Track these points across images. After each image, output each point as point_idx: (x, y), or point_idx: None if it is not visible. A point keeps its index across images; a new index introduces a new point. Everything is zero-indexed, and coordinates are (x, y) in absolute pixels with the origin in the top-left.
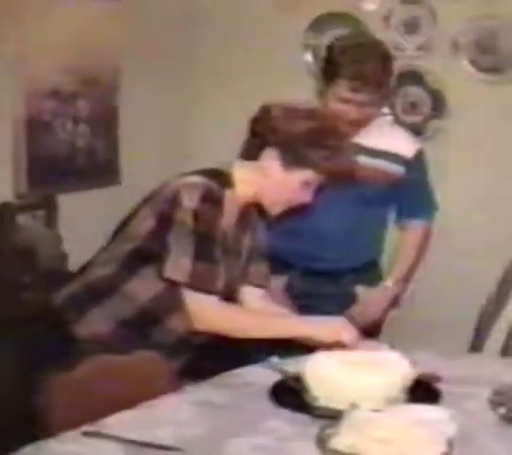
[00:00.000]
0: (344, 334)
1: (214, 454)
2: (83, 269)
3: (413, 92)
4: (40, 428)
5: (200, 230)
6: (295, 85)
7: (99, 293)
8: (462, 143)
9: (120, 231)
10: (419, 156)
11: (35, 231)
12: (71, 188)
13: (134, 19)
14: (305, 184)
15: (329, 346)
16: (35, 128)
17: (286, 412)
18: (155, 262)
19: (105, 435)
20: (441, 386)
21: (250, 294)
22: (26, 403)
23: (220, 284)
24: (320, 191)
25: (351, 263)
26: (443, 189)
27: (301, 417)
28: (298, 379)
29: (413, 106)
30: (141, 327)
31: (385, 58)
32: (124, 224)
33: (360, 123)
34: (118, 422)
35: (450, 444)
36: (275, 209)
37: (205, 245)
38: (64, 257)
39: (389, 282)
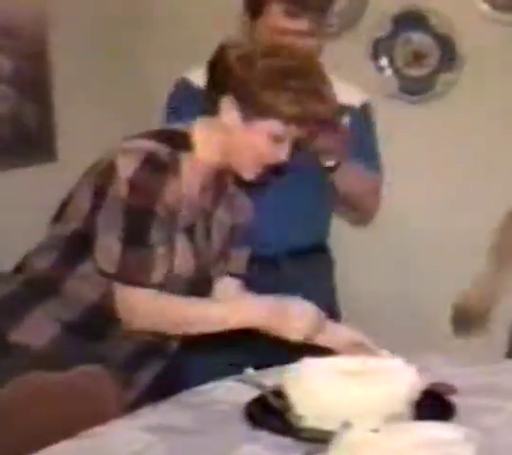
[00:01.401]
0: (301, 322)
1: None
2: (22, 263)
3: (417, 38)
4: None
5: (134, 206)
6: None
7: (37, 291)
8: (477, 98)
9: (59, 215)
10: (367, 108)
11: None
12: None
13: None
14: (275, 138)
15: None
16: None
17: (265, 436)
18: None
19: None
20: (455, 398)
21: (225, 285)
22: None
23: (159, 274)
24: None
25: (288, 248)
26: (455, 150)
27: (283, 441)
28: (279, 395)
29: (417, 56)
30: (92, 333)
31: None
32: (64, 205)
33: None
34: None
35: None
36: (246, 171)
37: (137, 224)
38: None
39: None
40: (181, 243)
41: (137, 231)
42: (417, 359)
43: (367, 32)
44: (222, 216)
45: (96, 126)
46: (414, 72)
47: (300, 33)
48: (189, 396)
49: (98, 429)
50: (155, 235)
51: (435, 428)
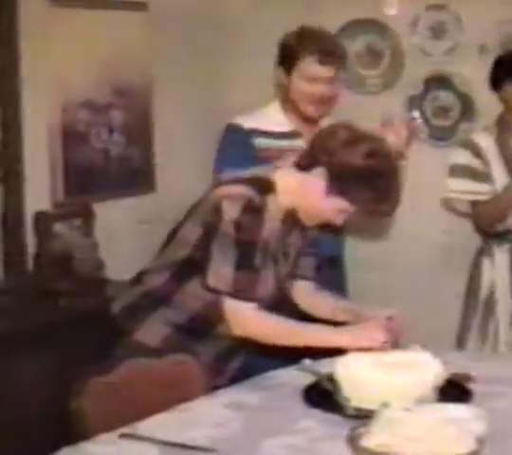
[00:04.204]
0: (375, 341)
1: (248, 454)
2: (139, 277)
3: (442, 96)
4: (77, 431)
5: (242, 241)
6: None
7: (154, 301)
8: None
9: (171, 240)
10: None
11: (72, 239)
12: (107, 196)
13: (162, 27)
14: (341, 211)
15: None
16: (71, 138)
17: (319, 413)
18: (202, 270)
19: (141, 437)
20: (472, 386)
21: (300, 288)
22: (64, 406)
23: (260, 291)
24: None
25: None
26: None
27: (333, 417)
28: (330, 380)
29: (443, 110)
30: (195, 333)
31: (338, 41)
32: (174, 232)
33: (330, 102)
34: (153, 424)
35: (480, 441)
36: (308, 222)
37: (246, 254)
38: (100, 264)
39: None
40: (269, 268)
41: (245, 259)
42: (442, 354)
43: (403, 91)
44: (296, 241)
45: (185, 165)
46: (440, 122)
47: (328, 80)
48: (259, 381)
49: (187, 405)
50: (258, 262)
51: (455, 409)
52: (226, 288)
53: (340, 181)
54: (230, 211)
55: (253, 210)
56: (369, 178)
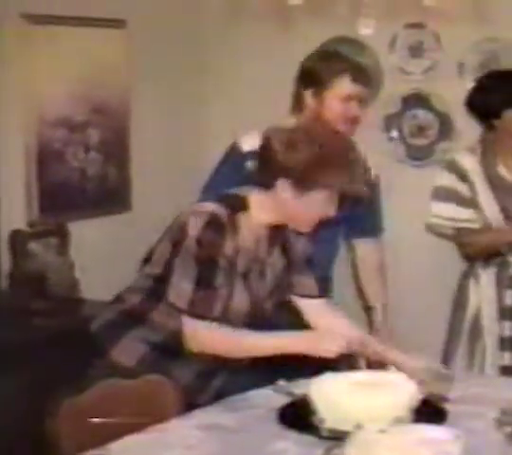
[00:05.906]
0: (330, 344)
1: None
2: (119, 296)
3: (420, 115)
4: (51, 452)
5: (202, 257)
6: None
7: (132, 319)
8: None
9: (147, 260)
10: (378, 177)
11: (47, 258)
12: (82, 215)
13: (140, 45)
14: (324, 201)
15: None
16: (46, 157)
17: (293, 434)
18: None
19: None
20: (448, 406)
21: (307, 305)
22: (37, 426)
23: (218, 308)
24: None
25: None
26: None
27: (307, 439)
28: (305, 401)
29: (421, 129)
30: (171, 352)
31: None
32: (151, 252)
33: (357, 123)
34: (125, 445)
35: None
36: (302, 228)
37: (206, 271)
38: (75, 283)
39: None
40: (239, 286)
41: (205, 277)
42: None
43: (381, 109)
44: (275, 260)
45: (161, 184)
46: (418, 142)
47: (359, 99)
48: (233, 401)
49: (160, 426)
50: (219, 280)
51: (430, 430)
52: (183, 305)
53: (301, 181)
54: (193, 228)
55: (216, 227)
56: (322, 161)
